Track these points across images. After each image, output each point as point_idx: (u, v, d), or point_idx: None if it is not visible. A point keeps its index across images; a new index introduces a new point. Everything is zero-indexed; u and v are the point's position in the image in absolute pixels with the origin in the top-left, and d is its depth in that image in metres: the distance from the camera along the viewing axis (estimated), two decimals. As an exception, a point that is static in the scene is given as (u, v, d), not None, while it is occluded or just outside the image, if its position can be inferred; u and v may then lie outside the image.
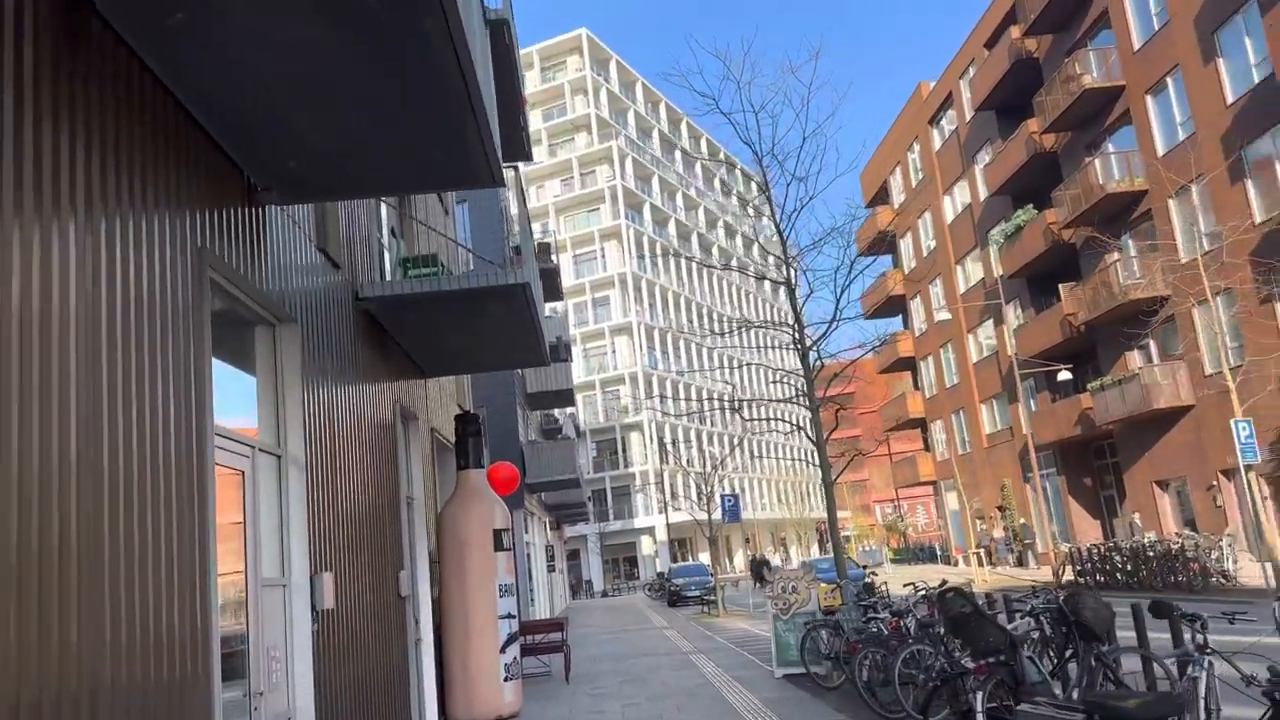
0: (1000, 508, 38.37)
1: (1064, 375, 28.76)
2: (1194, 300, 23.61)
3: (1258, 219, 21.88)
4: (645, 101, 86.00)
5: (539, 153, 78.74)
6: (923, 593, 10.93)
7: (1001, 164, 33.38)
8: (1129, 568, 21.47)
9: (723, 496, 24.84)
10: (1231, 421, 16.96)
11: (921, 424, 46.89)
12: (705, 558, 70.36)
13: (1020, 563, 36.51)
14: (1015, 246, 32.78)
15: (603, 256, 75.19)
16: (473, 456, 11.65)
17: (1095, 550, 23.15)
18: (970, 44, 36.87)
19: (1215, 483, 24.73)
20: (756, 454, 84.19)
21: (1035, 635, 8.74)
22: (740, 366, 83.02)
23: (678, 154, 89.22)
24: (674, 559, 62.07)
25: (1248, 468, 17.07)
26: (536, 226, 75.33)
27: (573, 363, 41.77)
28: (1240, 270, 21.77)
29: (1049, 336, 31.12)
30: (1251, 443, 16.92)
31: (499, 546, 11.32)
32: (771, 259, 15.63)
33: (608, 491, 69.35)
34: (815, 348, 13.40)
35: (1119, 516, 31.94)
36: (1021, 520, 36.78)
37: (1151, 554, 20.24)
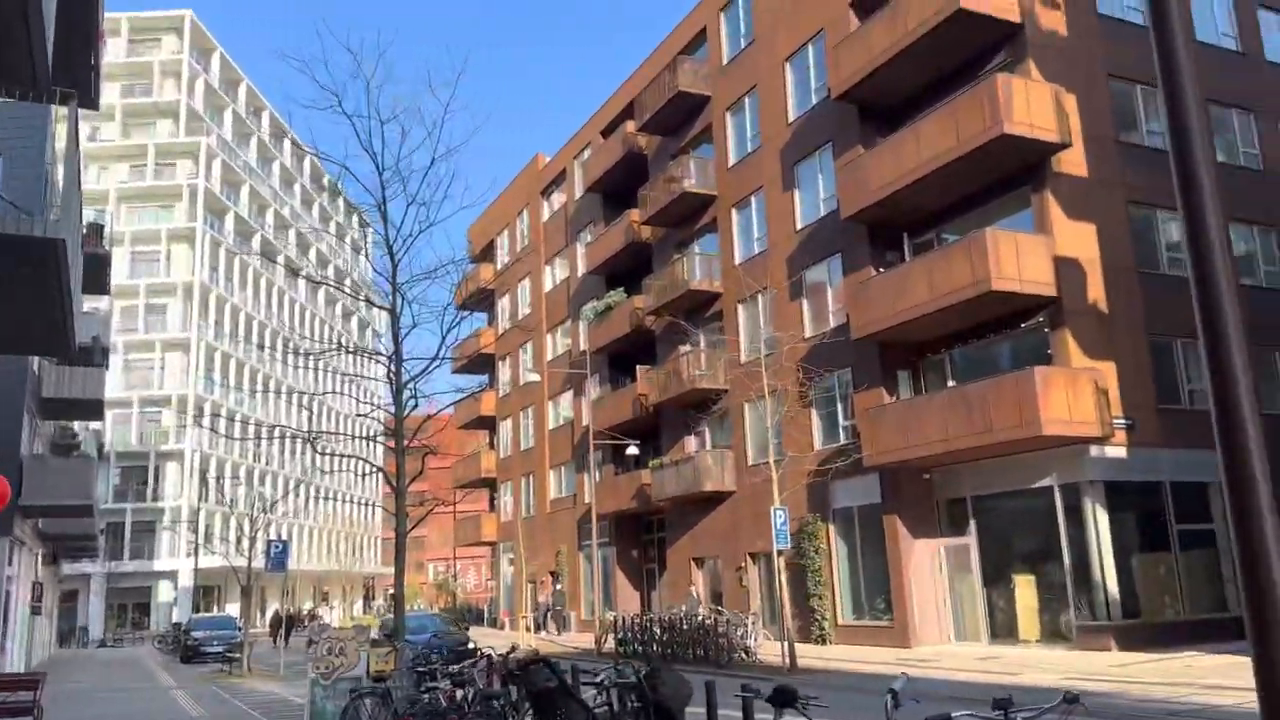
0: (553, 573, 39.23)
1: (632, 450, 30.28)
2: (754, 395, 26.02)
3: (807, 333, 24.80)
4: (248, 105, 79.39)
5: (110, 130, 68.79)
6: (488, 658, 10.10)
7: (601, 246, 35.01)
8: (665, 638, 22.57)
9: (269, 542, 22.26)
10: (771, 509, 18.64)
11: (492, 484, 46.96)
12: (235, 609, 63.81)
13: (563, 628, 37.41)
14: (603, 325, 34.32)
15: (168, 260, 66.90)
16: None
17: (636, 620, 24.13)
18: (589, 128, 38.65)
19: (743, 564, 27.21)
20: (311, 499, 78.92)
21: (604, 710, 8.26)
22: (312, 399, 78.02)
23: (276, 168, 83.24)
24: (197, 609, 55.34)
25: (779, 552, 18.78)
26: (89, 212, 65.40)
27: (108, 371, 35.97)
28: (789, 375, 24.37)
29: (621, 413, 32.73)
30: (785, 529, 18.70)
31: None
32: (373, 280, 14.34)
33: (127, 526, 60.44)
34: (413, 384, 12.27)
35: (657, 589, 34.04)
36: (558, 587, 37.85)
37: (686, 626, 21.44)
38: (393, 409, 13.27)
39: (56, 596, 45.96)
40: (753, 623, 20.97)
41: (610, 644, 25.04)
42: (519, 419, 43.76)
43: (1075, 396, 18.06)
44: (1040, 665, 16.71)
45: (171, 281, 65.43)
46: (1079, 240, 19.57)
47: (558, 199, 41.89)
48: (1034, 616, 20.10)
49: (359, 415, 14.49)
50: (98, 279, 25.69)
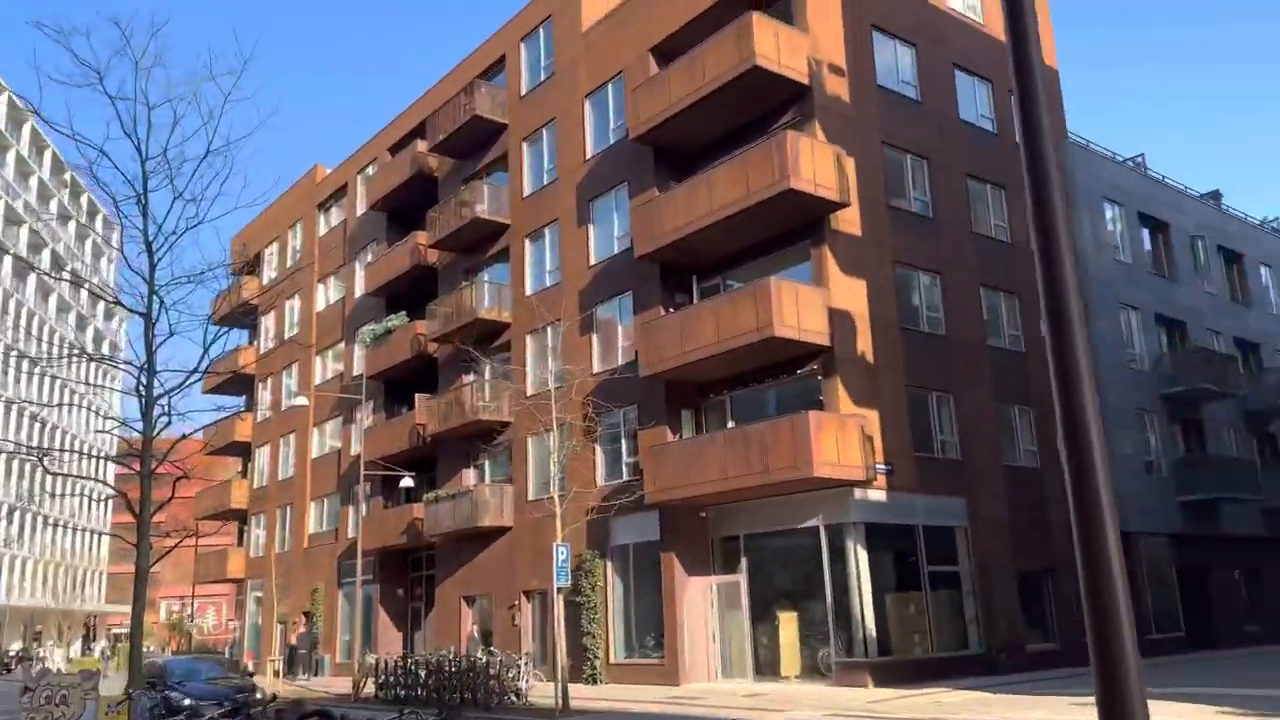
0: (307, 613, 36.73)
1: (407, 482, 28.95)
2: (539, 429, 25.62)
3: (596, 369, 24.76)
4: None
5: None
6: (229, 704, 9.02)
7: (383, 266, 33.62)
8: (431, 681, 21.49)
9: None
10: (553, 545, 18.22)
11: (242, 516, 43.49)
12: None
13: (315, 671, 35.00)
14: (381, 349, 32.82)
15: None
16: None
17: (399, 663, 22.84)
18: (375, 143, 37.19)
19: (517, 602, 26.53)
20: (27, 527, 69.98)
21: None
22: (38, 413, 69.43)
23: (11, 158, 74.41)
24: None
25: (559, 590, 18.36)
26: None
27: None
28: (576, 410, 24.16)
29: (396, 443, 31.31)
30: (566, 566, 18.34)
31: None
32: (120, 282, 12.78)
33: None
34: (167, 399, 10.94)
35: (423, 630, 32.59)
36: (314, 628, 35.54)
37: (454, 669, 20.50)
38: (140, 426, 11.81)
39: None
40: (525, 663, 20.34)
41: (370, 688, 23.56)
42: (278, 446, 40.92)
43: (844, 441, 19.00)
44: (802, 701, 17.22)
45: None
46: (851, 294, 20.76)
47: (337, 214, 39.94)
48: (796, 653, 20.79)
49: (99, 430, 12.76)
50: None
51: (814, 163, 19.88)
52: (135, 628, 10.05)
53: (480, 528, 27.05)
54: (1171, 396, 27.64)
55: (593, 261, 25.72)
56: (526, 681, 19.86)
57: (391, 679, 22.55)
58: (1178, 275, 29.63)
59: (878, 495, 20.09)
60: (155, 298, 11.80)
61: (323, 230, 40.51)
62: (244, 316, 43.94)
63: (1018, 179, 25.54)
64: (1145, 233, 29.40)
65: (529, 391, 27.33)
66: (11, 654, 55.56)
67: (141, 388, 11.10)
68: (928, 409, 21.92)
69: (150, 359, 11.45)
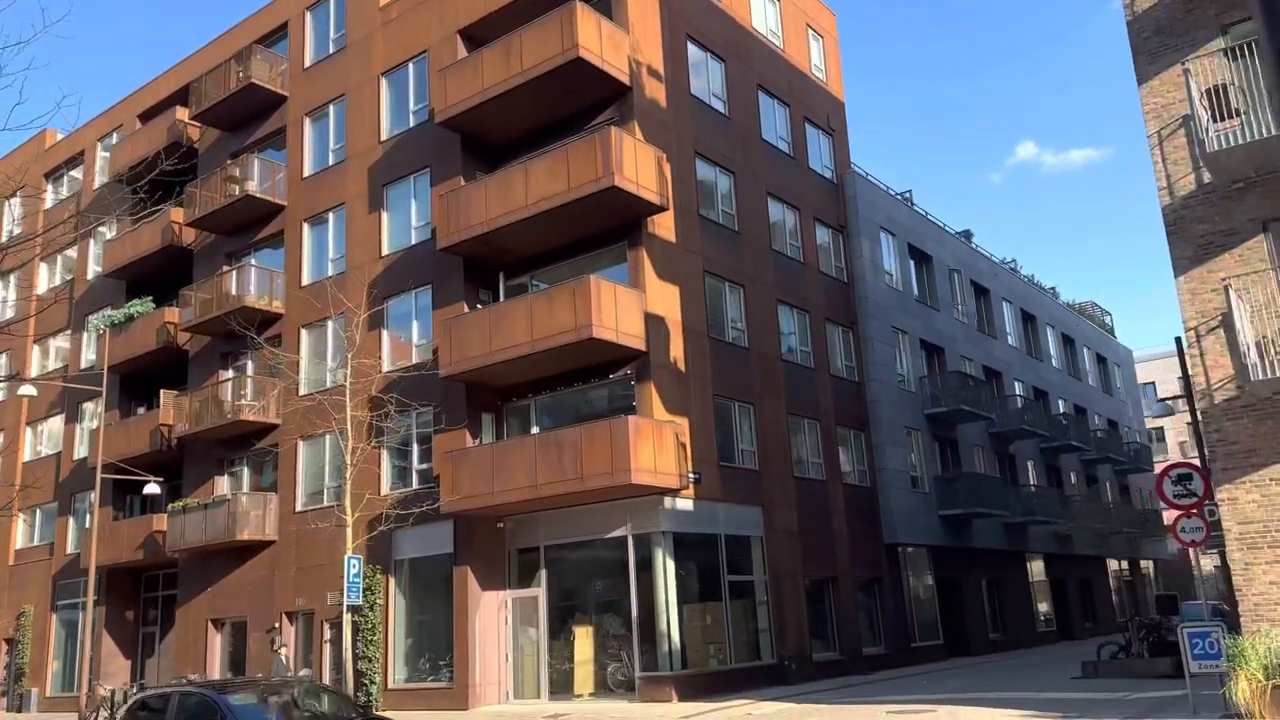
0: (9, 640, 31.46)
1: (152, 488, 25.33)
2: (313, 432, 23.29)
3: (385, 367, 22.85)
4: None
5: None
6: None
7: (127, 245, 29.61)
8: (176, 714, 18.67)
9: None
10: (346, 557, 16.27)
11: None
12: None
13: (20, 707, 29.97)
14: (120, 338, 28.77)
15: None
16: None
17: (139, 693, 19.72)
18: (122, 108, 32.84)
19: (278, 625, 23.86)
20: None
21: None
22: None
23: None
24: None
25: (351, 608, 16.42)
26: None
27: None
28: (360, 411, 22.08)
29: (135, 445, 27.47)
30: (359, 581, 16.45)
31: None
32: None
33: None
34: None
35: (156, 656, 28.75)
36: (19, 658, 30.58)
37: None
38: None
39: None
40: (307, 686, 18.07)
41: (101, 726, 20.25)
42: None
43: (660, 448, 18.52)
44: (609, 719, 16.42)
45: None
46: (665, 300, 20.42)
47: (69, 186, 34.93)
48: (590, 670, 20.01)
49: None
50: None
51: (636, 162, 19.39)
52: None
53: (237, 541, 24.14)
54: (933, 416, 29.63)
55: (385, 251, 23.79)
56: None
57: (125, 713, 19.38)
58: (938, 304, 31.93)
59: (685, 504, 19.77)
60: None
61: (50, 202, 35.25)
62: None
63: (811, 201, 26.48)
64: (912, 263, 31.46)
65: (302, 390, 24.89)
66: None
67: None
68: (731, 418, 21.96)
69: None
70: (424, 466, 21.99)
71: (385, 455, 22.54)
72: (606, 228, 20.42)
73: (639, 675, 18.86)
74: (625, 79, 20.63)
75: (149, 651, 28.99)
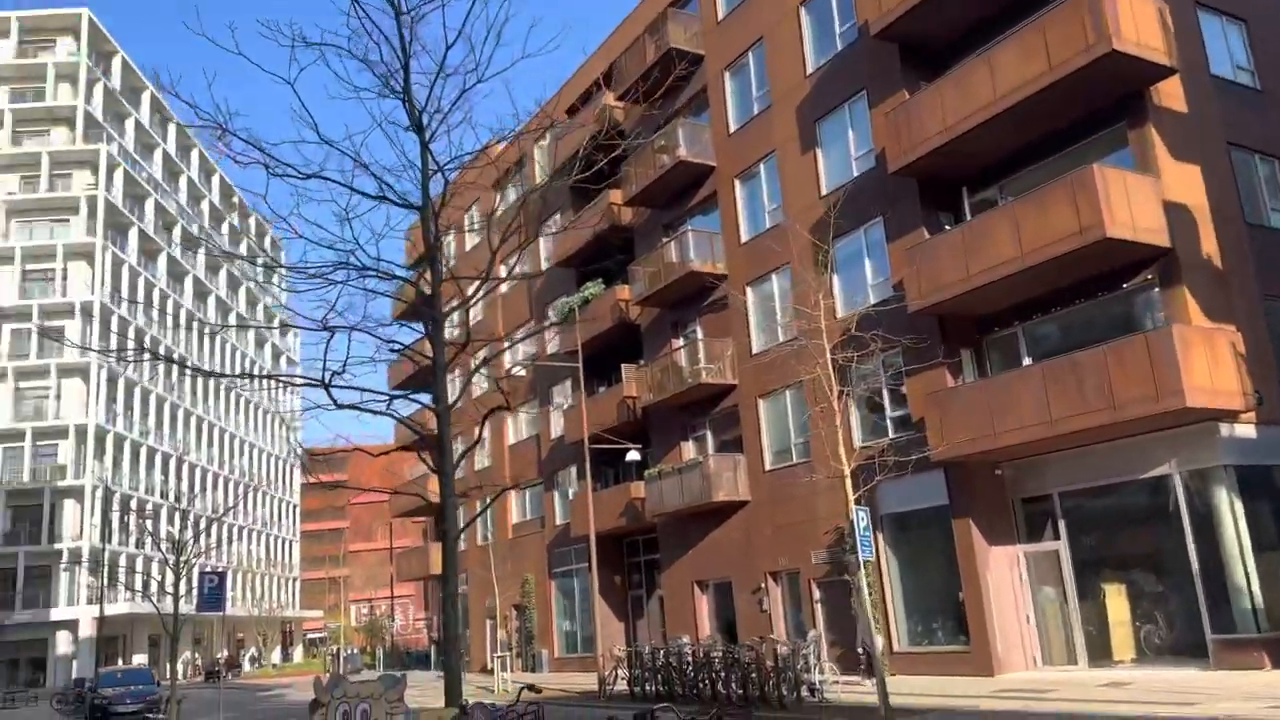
0: (517, 606, 34.92)
1: (634, 455, 26.36)
2: (772, 390, 22.54)
3: (840, 313, 21.39)
4: (152, 115, 73.10)
5: (-2, 136, 62.19)
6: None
7: (573, 235, 31.27)
8: (694, 675, 18.75)
9: (204, 574, 17.70)
10: (853, 509, 14.99)
11: (438, 512, 42.24)
12: (141, 660, 57.11)
13: (533, 667, 33.11)
14: (578, 322, 30.44)
15: (64, 279, 60.42)
16: None
17: (654, 656, 20.20)
18: (551, 106, 34.82)
19: (763, 585, 23.50)
20: (225, 538, 72.02)
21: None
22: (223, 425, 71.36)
23: (184, 183, 77.02)
24: (100, 661, 48.70)
25: (864, 563, 15.14)
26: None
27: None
28: (816, 363, 20.88)
29: (605, 418, 28.83)
30: (868, 535, 15.11)
31: None
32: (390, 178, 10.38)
33: (19, 571, 53.67)
34: (459, 312, 8.48)
35: (644, 619, 30.09)
36: (527, 622, 33.65)
37: (735, 658, 17.59)
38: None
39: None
40: (814, 652, 17.25)
41: (620, 684, 21.07)
42: (472, 436, 39.28)
43: (1215, 361, 15.03)
44: (1191, 691, 13.42)
45: (68, 301, 58.96)
46: (1186, 184, 16.66)
47: (514, 192, 37.98)
48: (1130, 632, 16.97)
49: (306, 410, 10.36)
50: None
51: (1135, 18, 15.91)
52: (449, 611, 7.53)
53: (713, 504, 24.16)
54: None
55: (824, 191, 22.34)
56: (819, 675, 16.79)
57: (644, 673, 19.95)
58: None
59: (1245, 431, 15.96)
60: (441, 176, 9.87)
61: (500, 209, 38.63)
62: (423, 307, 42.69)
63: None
64: None
65: (754, 349, 24.31)
66: (219, 662, 56.77)
67: (426, 305, 8.84)
68: (1285, 323, 17.53)
69: (433, 256, 9.24)
70: (898, 414, 20.23)
71: (852, 406, 21.09)
72: (1096, 109, 17.10)
73: (1212, 638, 15.50)
74: (1098, -70, 17.10)
75: (638, 614, 30.42)
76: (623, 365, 28.87)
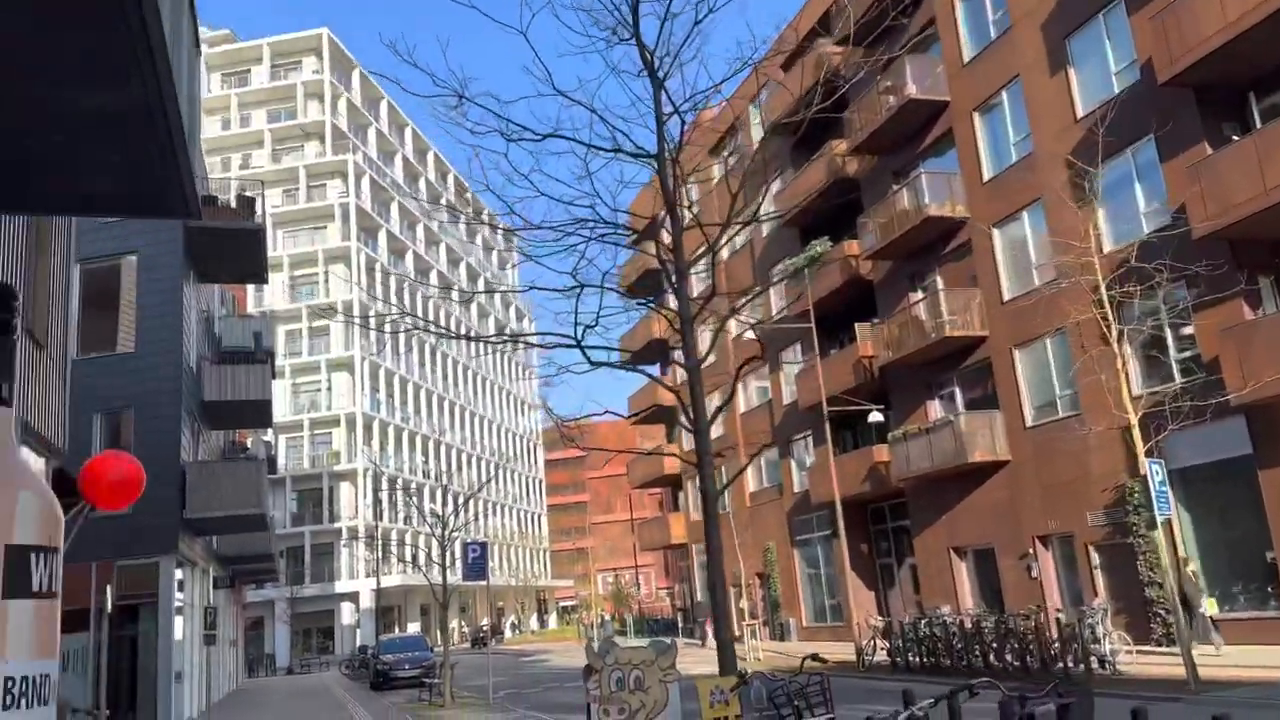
0: (760, 575, 34.61)
1: (876, 416, 25.22)
2: (1030, 338, 20.70)
3: (1106, 248, 19.26)
4: (390, 122, 78.51)
5: (260, 157, 68.90)
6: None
7: (795, 191, 30.26)
8: (962, 646, 17.59)
9: (467, 545, 18.54)
10: (1147, 461, 13.36)
11: (675, 481, 42.73)
12: (415, 628, 61.96)
13: (781, 636, 32.71)
14: (805, 282, 29.48)
15: (326, 281, 66.19)
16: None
17: (915, 626, 19.17)
18: (766, 64, 33.88)
19: (1031, 550, 21.79)
20: (481, 513, 76.60)
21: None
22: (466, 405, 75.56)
23: (422, 185, 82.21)
24: (380, 630, 53.31)
25: (1164, 522, 13.50)
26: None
27: (274, 383, 33.75)
28: (1082, 304, 18.91)
29: (840, 380, 27.76)
30: (1165, 490, 13.42)
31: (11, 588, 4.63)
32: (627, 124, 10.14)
33: (306, 549, 59.52)
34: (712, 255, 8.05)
35: (896, 587, 28.89)
36: (773, 591, 33.15)
37: (1007, 629, 16.34)
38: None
39: (241, 624, 44.57)
40: (1104, 622, 15.67)
41: (880, 654, 20.23)
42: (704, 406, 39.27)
43: None
44: None
45: (330, 301, 64.46)
46: None
47: (730, 155, 37.36)
48: None
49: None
50: (253, 256, 22.71)
51: None
52: (714, 570, 7.16)
53: (968, 465, 22.64)
54: None
55: (1080, 114, 20.17)
56: (1108, 645, 15.24)
57: (903, 643, 18.99)
58: None
59: None
60: (678, 117, 9.54)
61: (717, 175, 38.20)
62: (648, 283, 43.10)
63: None
64: None
65: (1005, 297, 22.47)
66: (484, 629, 60.52)
67: (666, 255, 8.51)
68: None
69: (672, 205, 8.96)
70: (1184, 355, 17.98)
71: (1127, 350, 18.94)
72: None
73: None
74: None
75: (889, 583, 29.27)
76: (856, 324, 27.66)
